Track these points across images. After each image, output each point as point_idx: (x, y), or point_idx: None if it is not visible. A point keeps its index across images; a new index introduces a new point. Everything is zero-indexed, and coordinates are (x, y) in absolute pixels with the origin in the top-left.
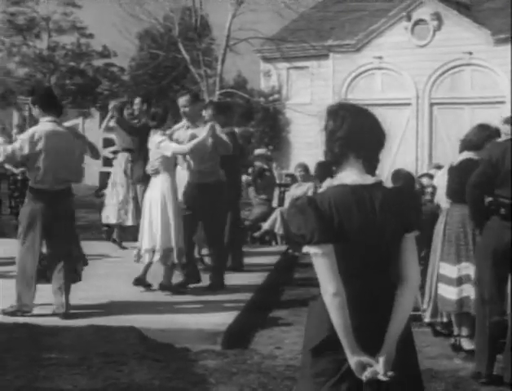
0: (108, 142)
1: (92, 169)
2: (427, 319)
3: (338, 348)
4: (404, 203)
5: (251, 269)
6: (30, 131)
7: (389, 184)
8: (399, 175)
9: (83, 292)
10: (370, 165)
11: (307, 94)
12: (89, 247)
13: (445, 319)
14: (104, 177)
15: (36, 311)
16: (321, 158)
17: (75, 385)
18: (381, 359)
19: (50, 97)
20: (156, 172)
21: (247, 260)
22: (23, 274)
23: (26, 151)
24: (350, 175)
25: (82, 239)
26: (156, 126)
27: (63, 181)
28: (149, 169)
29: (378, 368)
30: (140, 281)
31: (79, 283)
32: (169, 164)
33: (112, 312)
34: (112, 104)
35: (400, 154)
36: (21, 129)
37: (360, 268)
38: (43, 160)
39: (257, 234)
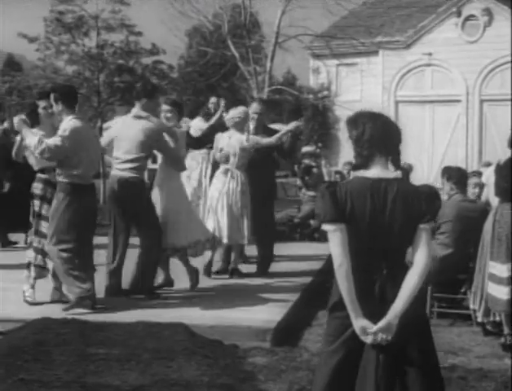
0: None
1: None
2: (480, 319)
3: (347, 311)
4: (420, 196)
5: (300, 266)
6: (68, 128)
7: (438, 181)
8: (451, 171)
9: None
10: (394, 159)
11: (357, 91)
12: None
13: (498, 318)
14: (152, 175)
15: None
16: None
17: (124, 381)
18: (379, 324)
19: (74, 94)
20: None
21: (296, 257)
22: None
23: (67, 147)
24: (373, 171)
25: None
26: None
27: (92, 175)
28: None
29: (375, 331)
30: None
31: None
32: None
33: (160, 308)
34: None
35: (450, 151)
36: None
37: (371, 247)
38: (82, 155)
39: (306, 231)
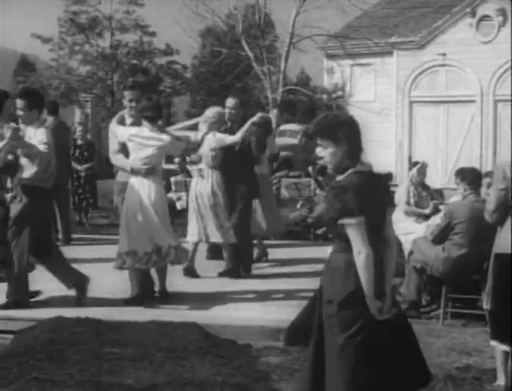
0: None
1: None
2: None
3: (361, 300)
4: (386, 183)
5: (314, 267)
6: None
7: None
8: (465, 172)
9: None
10: (362, 153)
11: (371, 92)
12: None
13: None
14: (166, 175)
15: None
16: (386, 154)
17: (137, 380)
18: (388, 301)
19: (42, 97)
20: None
21: (310, 258)
22: None
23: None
24: (361, 165)
25: None
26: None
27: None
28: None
29: (389, 308)
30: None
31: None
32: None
33: (173, 307)
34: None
35: (464, 152)
36: (84, 126)
37: (375, 234)
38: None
39: (320, 231)
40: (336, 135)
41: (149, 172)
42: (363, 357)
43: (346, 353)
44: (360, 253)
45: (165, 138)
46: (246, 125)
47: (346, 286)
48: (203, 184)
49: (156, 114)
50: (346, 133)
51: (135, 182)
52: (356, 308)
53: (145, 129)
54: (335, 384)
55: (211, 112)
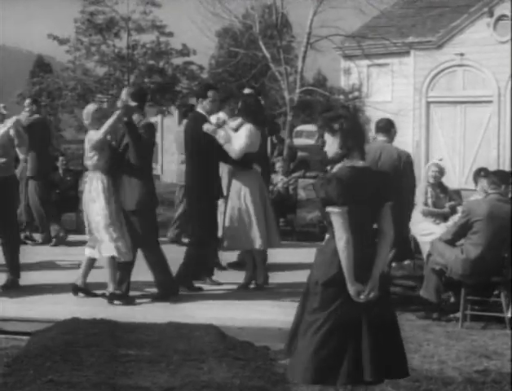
0: None
1: (171, 167)
2: None
3: (342, 282)
4: (385, 180)
5: None
6: None
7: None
8: (489, 171)
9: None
10: (362, 152)
11: (388, 92)
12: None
13: None
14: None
15: None
16: None
17: (154, 382)
18: (370, 284)
19: None
20: None
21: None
22: None
23: None
24: (353, 161)
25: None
26: None
27: None
28: None
29: (368, 291)
30: None
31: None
32: None
33: (190, 309)
34: None
35: (482, 152)
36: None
37: (360, 224)
38: None
39: None
40: (332, 127)
41: None
42: (334, 334)
43: (321, 328)
44: (340, 240)
45: None
46: (110, 119)
47: (331, 268)
48: (86, 191)
49: None
50: (341, 126)
51: None
52: (338, 288)
53: None
54: (301, 354)
55: (86, 108)
